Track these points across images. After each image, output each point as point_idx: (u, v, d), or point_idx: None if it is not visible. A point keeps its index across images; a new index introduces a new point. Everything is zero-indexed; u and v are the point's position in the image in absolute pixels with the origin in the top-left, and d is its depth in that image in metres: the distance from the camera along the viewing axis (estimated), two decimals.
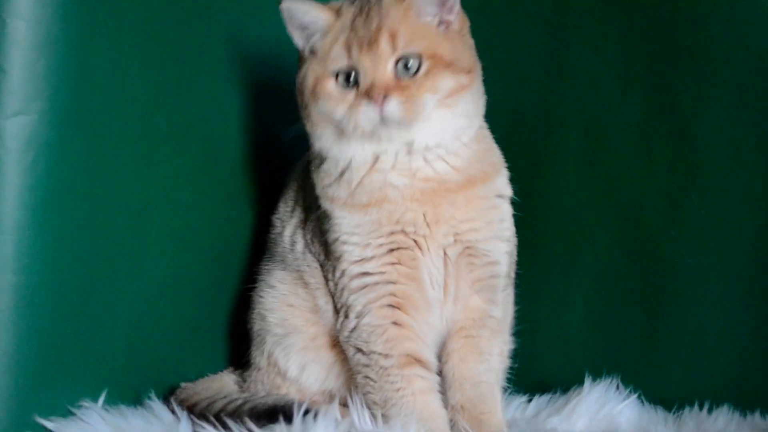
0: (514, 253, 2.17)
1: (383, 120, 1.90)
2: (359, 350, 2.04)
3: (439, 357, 2.07)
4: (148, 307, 2.19)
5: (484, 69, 2.05)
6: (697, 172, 2.25)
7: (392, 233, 2.00)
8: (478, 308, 2.07)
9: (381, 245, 2.00)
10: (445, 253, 2.02)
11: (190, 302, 2.30)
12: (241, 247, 2.43)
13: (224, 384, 2.26)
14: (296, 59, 2.06)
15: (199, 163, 2.32)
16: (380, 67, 1.90)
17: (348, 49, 1.93)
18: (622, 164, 2.36)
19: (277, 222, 2.25)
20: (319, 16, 1.99)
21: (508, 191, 2.10)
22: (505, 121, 2.13)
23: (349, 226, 2.01)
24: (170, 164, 2.25)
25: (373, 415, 1.99)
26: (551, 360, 2.42)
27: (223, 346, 2.41)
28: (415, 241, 2.00)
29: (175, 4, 2.24)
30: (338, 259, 2.04)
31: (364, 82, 1.91)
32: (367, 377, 2.02)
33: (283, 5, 1.99)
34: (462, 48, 1.99)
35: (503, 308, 2.13)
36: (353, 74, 1.93)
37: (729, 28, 2.21)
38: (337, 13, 1.98)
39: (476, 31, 2.05)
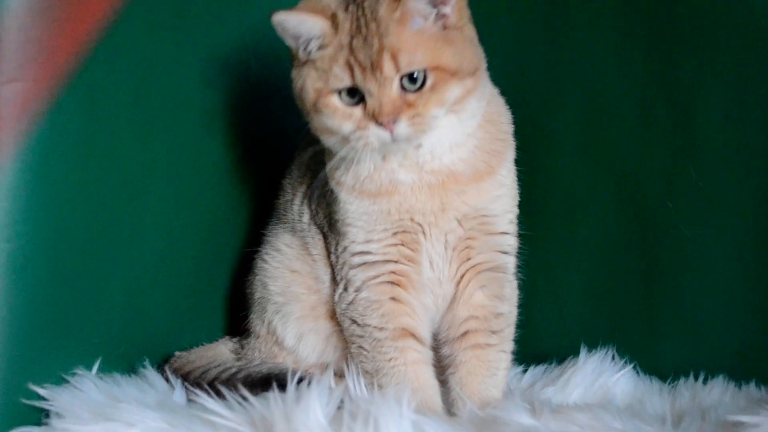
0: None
1: (393, 139, 1.87)
2: (354, 322, 2.04)
3: (444, 367, 2.07)
4: (145, 274, 2.19)
5: (484, 42, 2.03)
6: (696, 145, 2.25)
7: (400, 220, 2.00)
8: (482, 305, 2.06)
9: (386, 230, 2.01)
10: (446, 239, 2.02)
11: (187, 270, 2.30)
12: (241, 215, 2.43)
13: (219, 352, 2.27)
14: None
15: (198, 131, 2.31)
16: (386, 89, 1.85)
17: (350, 70, 1.86)
18: (621, 136, 2.36)
19: (288, 188, 2.24)
20: (314, 26, 1.89)
21: (508, 179, 2.07)
22: (504, 94, 2.12)
23: (356, 213, 2.01)
24: (168, 131, 2.24)
25: (369, 383, 1.99)
26: (547, 330, 2.42)
27: (220, 314, 2.41)
28: (420, 225, 2.01)
29: None
30: (342, 235, 2.04)
31: (371, 104, 1.86)
32: (360, 347, 2.03)
33: (275, 19, 1.90)
34: (464, 47, 1.92)
35: (510, 304, 2.11)
36: (358, 90, 1.88)
37: (729, 1, 2.20)
38: (333, 20, 1.89)
39: (474, 6, 2.04)
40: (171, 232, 2.25)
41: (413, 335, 2.03)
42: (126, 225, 2.14)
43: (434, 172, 1.98)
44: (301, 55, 1.93)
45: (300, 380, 1.90)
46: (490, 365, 2.05)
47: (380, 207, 1.99)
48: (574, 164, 2.41)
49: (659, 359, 2.26)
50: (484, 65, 2.00)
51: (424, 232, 2.01)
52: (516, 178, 2.09)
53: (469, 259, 2.05)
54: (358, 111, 1.88)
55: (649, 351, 2.28)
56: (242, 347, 2.27)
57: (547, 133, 2.44)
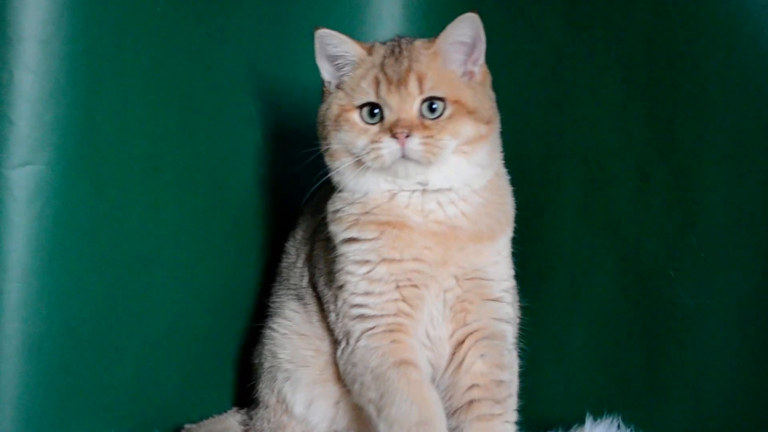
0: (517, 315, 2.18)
1: (404, 156, 1.93)
2: (355, 365, 2.04)
3: None
4: (155, 349, 2.22)
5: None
6: (697, 213, 2.23)
7: (411, 271, 2.00)
8: (482, 374, 2.07)
9: (392, 281, 2.01)
10: (445, 297, 2.04)
11: (197, 343, 2.33)
12: (250, 285, 2.45)
13: (228, 425, 2.29)
14: (310, 96, 2.11)
15: (206, 206, 2.34)
16: (407, 106, 1.94)
17: (376, 85, 1.96)
18: (621, 204, 2.35)
19: (292, 250, 2.27)
20: (352, 50, 2.01)
21: (505, 251, 2.10)
22: (505, 161, 2.15)
23: (357, 253, 2.02)
24: (177, 209, 2.28)
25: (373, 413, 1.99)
26: (552, 398, 2.41)
27: (230, 384, 2.43)
28: (424, 279, 2.02)
29: (181, 52, 2.26)
30: (340, 288, 2.05)
31: (389, 119, 1.95)
32: (362, 384, 2.02)
33: (318, 33, 2.01)
34: (483, 99, 2.02)
35: (510, 372, 2.12)
36: (378, 110, 1.97)
37: (728, 70, 2.18)
38: (369, 51, 2.01)
39: None
40: (179, 305, 2.28)
41: (413, 365, 2.02)
42: (135, 300, 2.18)
43: (438, 222, 2.01)
44: (332, 87, 2.03)
45: None
46: None
47: (386, 242, 1.99)
48: (575, 232, 2.41)
49: (664, 428, 2.24)
50: (497, 125, 2.06)
51: (427, 287, 2.02)
52: (511, 256, 2.12)
53: (466, 324, 2.06)
54: (374, 129, 1.96)
55: (655, 420, 2.25)
56: (251, 418, 2.28)
57: (548, 200, 2.45)
